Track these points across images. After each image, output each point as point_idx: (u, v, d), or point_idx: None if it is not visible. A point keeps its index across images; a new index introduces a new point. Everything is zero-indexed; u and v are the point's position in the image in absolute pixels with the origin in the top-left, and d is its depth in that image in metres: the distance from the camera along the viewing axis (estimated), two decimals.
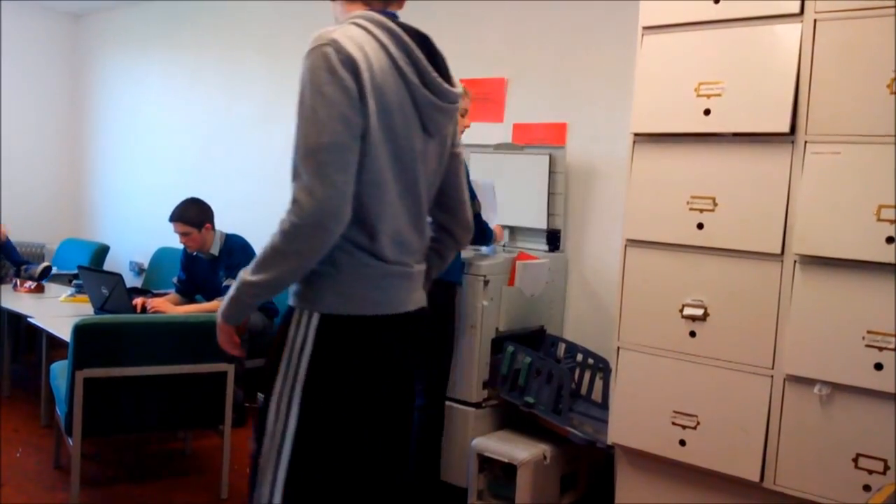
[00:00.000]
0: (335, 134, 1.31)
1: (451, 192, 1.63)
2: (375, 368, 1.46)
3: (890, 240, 1.94)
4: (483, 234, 2.76)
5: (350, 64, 1.32)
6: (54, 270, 4.43)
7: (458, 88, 1.51)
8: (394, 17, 1.45)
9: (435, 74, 1.43)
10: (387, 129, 1.37)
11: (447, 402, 2.90)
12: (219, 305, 1.50)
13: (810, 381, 2.08)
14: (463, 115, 2.67)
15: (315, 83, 1.32)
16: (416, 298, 1.53)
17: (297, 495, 1.43)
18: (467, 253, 2.87)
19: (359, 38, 1.36)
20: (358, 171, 1.34)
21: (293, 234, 1.32)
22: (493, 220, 2.94)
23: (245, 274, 1.38)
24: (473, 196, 2.60)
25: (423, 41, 1.45)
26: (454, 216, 1.65)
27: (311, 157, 1.31)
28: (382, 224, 1.40)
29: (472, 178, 2.97)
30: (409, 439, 1.65)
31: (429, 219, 1.59)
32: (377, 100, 1.34)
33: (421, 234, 1.52)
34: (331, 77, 1.31)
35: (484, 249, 2.98)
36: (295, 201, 1.32)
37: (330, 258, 1.39)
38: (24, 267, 4.23)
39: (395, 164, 1.41)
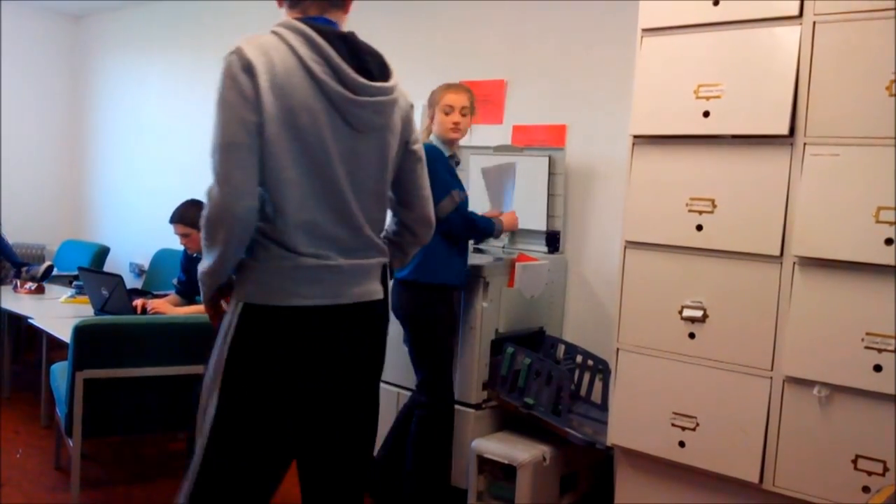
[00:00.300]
0: (232, 135, 1.41)
1: (409, 188, 1.68)
2: (296, 359, 1.49)
3: (889, 241, 1.95)
4: (470, 227, 2.70)
5: (248, 69, 1.41)
6: (55, 271, 4.43)
7: (386, 83, 1.54)
8: (325, 23, 1.52)
9: (348, 70, 1.47)
10: (290, 126, 1.44)
11: None
12: None
13: (809, 383, 2.09)
14: (465, 115, 2.68)
15: (220, 90, 1.43)
16: (357, 292, 1.55)
17: (206, 478, 1.50)
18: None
19: (267, 43, 1.45)
20: (264, 168, 1.44)
21: (205, 229, 1.49)
22: (507, 205, 2.91)
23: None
24: (454, 188, 2.62)
25: (345, 40, 1.51)
26: (412, 211, 1.70)
27: (212, 158, 1.44)
28: (291, 217, 1.46)
29: (484, 165, 3.01)
30: (365, 434, 1.68)
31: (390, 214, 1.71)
32: (279, 99, 1.42)
33: (353, 229, 1.53)
34: (231, 82, 1.41)
35: (493, 244, 2.97)
36: (206, 198, 1.48)
37: (251, 249, 1.49)
38: (25, 268, 4.22)
39: (304, 159, 1.46)
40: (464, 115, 2.68)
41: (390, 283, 1.72)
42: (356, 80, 1.47)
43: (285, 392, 1.51)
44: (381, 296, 1.62)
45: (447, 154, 2.70)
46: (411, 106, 1.67)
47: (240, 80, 1.40)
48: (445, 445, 2.71)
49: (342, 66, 1.46)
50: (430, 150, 2.62)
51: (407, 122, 1.64)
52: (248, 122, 1.41)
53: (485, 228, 2.75)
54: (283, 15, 1.58)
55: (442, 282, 2.65)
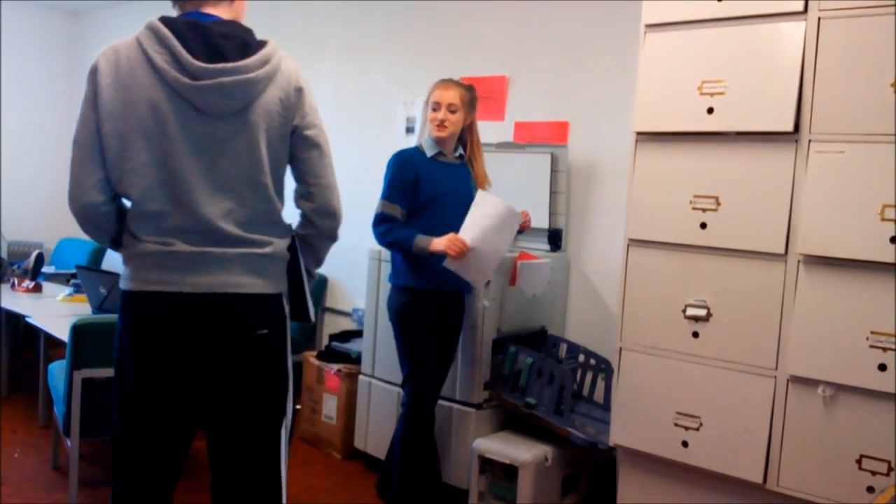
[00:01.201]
0: (77, 133, 1.54)
1: (304, 177, 1.65)
2: (144, 343, 1.56)
3: (894, 239, 1.93)
4: (381, 240, 2.59)
5: (93, 70, 1.52)
6: (53, 269, 4.41)
7: (238, 63, 1.50)
8: (195, 16, 1.56)
9: (187, 56, 1.48)
10: (132, 119, 1.49)
11: (449, 404, 2.89)
12: None
13: (814, 382, 2.07)
14: (454, 112, 2.58)
15: None
16: (204, 282, 1.53)
17: (115, 451, 1.69)
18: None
19: (122, 44, 1.53)
20: (106, 161, 1.53)
21: None
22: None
23: None
24: (386, 197, 2.54)
25: (196, 28, 1.52)
26: (310, 201, 1.66)
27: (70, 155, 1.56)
28: (137, 207, 1.53)
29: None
30: (242, 427, 1.64)
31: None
32: (121, 94, 1.50)
33: (201, 218, 1.51)
34: (86, 86, 1.54)
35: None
36: None
37: (123, 238, 1.60)
38: (14, 266, 4.19)
39: (149, 149, 1.50)
40: (452, 112, 2.58)
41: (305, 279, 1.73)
42: (194, 65, 1.47)
43: (142, 374, 1.58)
44: (250, 289, 1.56)
45: (432, 153, 2.62)
46: (298, 89, 1.59)
47: (89, 81, 1.52)
48: (424, 443, 2.66)
49: (182, 53, 1.48)
50: (397, 154, 2.65)
51: (290, 106, 1.57)
52: (89, 121, 1.52)
53: (398, 243, 2.55)
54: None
55: (412, 285, 2.59)
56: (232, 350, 1.57)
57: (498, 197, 2.52)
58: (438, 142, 2.64)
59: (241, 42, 1.53)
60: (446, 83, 2.65)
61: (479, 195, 2.51)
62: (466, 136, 2.71)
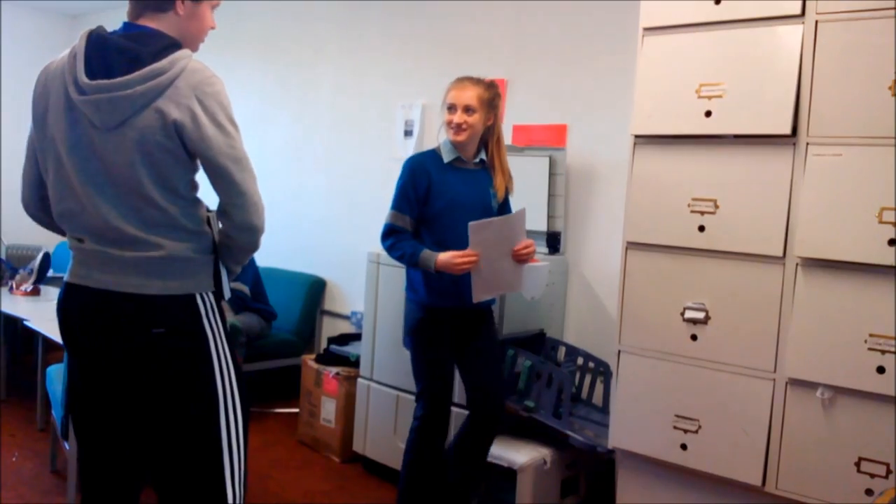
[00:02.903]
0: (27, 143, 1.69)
1: (220, 197, 1.62)
2: (64, 331, 1.69)
3: (892, 242, 1.93)
4: (391, 253, 2.46)
5: (36, 82, 1.64)
6: (51, 273, 4.40)
7: (119, 79, 1.51)
8: (123, 27, 1.65)
9: (79, 71, 1.54)
10: (44, 128, 1.61)
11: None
12: None
13: (812, 385, 2.07)
14: (471, 113, 2.39)
15: None
16: (105, 279, 1.59)
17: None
18: None
19: (58, 58, 1.62)
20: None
21: None
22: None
23: None
24: (396, 208, 2.42)
25: (102, 41, 1.58)
26: (227, 218, 1.64)
27: None
28: (54, 207, 1.66)
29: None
30: (150, 427, 1.66)
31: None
32: (41, 105, 1.60)
33: (102, 220, 1.57)
34: None
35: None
36: None
37: None
38: (22, 270, 4.18)
39: (53, 157, 1.60)
40: (469, 113, 2.39)
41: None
42: (82, 80, 1.54)
43: (71, 362, 1.71)
44: (146, 290, 1.57)
45: (449, 158, 2.45)
46: (189, 109, 1.53)
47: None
48: (433, 459, 2.52)
49: (76, 67, 1.55)
50: (409, 159, 2.50)
51: (179, 124, 1.53)
52: (30, 131, 1.66)
53: (404, 257, 2.42)
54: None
55: (426, 302, 2.47)
56: (128, 348, 1.61)
57: (488, 220, 2.36)
58: (457, 146, 2.46)
59: (133, 56, 1.54)
60: (462, 82, 2.46)
61: (470, 228, 2.30)
62: (488, 139, 2.51)
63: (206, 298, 1.66)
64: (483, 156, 2.53)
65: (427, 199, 2.43)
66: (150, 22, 1.62)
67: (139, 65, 1.53)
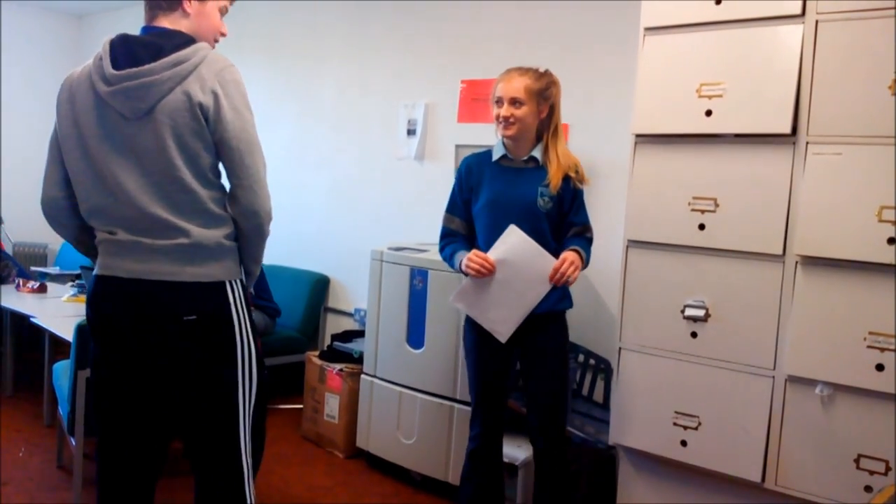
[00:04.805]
0: (51, 137, 1.74)
1: (230, 179, 1.69)
2: (93, 324, 1.74)
3: (891, 241, 1.94)
4: (439, 250, 2.38)
5: (61, 87, 1.72)
6: (57, 270, 4.44)
7: (143, 67, 1.59)
8: (142, 30, 1.71)
9: (105, 64, 1.62)
10: (76, 126, 1.66)
11: (450, 404, 2.91)
12: None
13: (812, 382, 2.08)
14: (519, 105, 2.23)
15: None
16: (136, 268, 1.65)
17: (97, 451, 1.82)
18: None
19: (85, 65, 1.69)
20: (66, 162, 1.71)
21: None
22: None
23: None
24: (449, 210, 2.36)
25: (126, 41, 1.66)
26: (233, 203, 1.70)
27: None
28: (83, 204, 1.71)
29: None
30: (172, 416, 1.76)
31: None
32: (70, 105, 1.67)
33: (136, 209, 1.63)
34: None
35: None
36: None
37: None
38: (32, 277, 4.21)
39: (87, 153, 1.65)
40: (517, 106, 2.23)
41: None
42: (108, 72, 1.61)
43: (100, 355, 1.75)
44: (177, 277, 1.64)
45: (497, 156, 2.32)
46: (213, 92, 1.62)
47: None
48: (484, 482, 2.36)
49: (105, 63, 1.62)
50: (465, 158, 2.41)
51: (203, 106, 1.61)
52: (54, 130, 1.72)
53: (447, 260, 2.38)
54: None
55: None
56: (160, 335, 1.67)
57: (528, 240, 2.21)
58: (506, 143, 2.31)
59: (157, 48, 1.63)
60: (509, 73, 2.29)
61: (510, 229, 2.21)
62: (544, 133, 2.32)
63: (235, 286, 1.73)
64: (538, 152, 2.31)
65: (473, 197, 2.35)
66: (165, 22, 1.71)
67: (163, 54, 1.61)
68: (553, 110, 2.31)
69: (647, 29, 2.38)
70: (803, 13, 2.09)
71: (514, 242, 2.21)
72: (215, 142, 1.65)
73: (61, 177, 1.72)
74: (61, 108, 1.69)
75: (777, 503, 2.16)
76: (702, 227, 2.26)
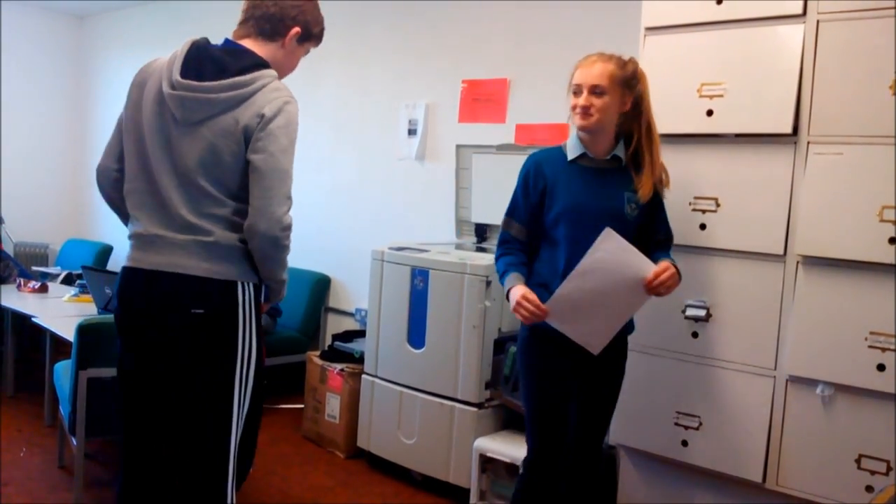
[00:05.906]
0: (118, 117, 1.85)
1: (249, 199, 1.73)
2: (118, 315, 1.80)
3: (892, 241, 1.94)
4: (495, 259, 2.13)
5: (137, 72, 1.81)
6: (58, 270, 4.44)
7: (207, 83, 1.68)
8: (224, 42, 1.81)
9: (174, 71, 1.71)
10: (138, 114, 1.76)
11: (451, 404, 2.91)
12: None
13: (813, 382, 2.08)
14: (600, 94, 1.98)
15: None
16: (156, 261, 1.72)
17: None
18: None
19: (167, 57, 1.77)
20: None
21: None
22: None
23: None
24: (510, 214, 2.11)
25: (199, 50, 1.75)
26: (247, 220, 1.73)
27: None
28: (126, 182, 1.80)
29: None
30: (184, 413, 1.77)
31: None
32: (138, 93, 1.76)
33: (162, 203, 1.72)
34: None
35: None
36: None
37: None
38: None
39: (140, 139, 1.75)
40: (598, 95, 1.97)
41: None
42: (175, 79, 1.70)
43: (124, 345, 1.80)
44: (191, 271, 1.70)
45: (574, 154, 2.05)
46: (260, 115, 1.67)
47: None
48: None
49: (174, 66, 1.72)
50: (530, 156, 2.15)
51: (248, 130, 1.68)
52: (124, 106, 1.82)
53: (500, 278, 2.10)
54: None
55: (527, 324, 2.04)
56: (168, 325, 1.71)
57: (627, 247, 1.94)
58: (583, 138, 2.05)
59: (222, 67, 1.71)
60: (589, 58, 2.03)
61: (606, 233, 1.90)
62: (633, 129, 2.05)
63: (247, 288, 1.77)
64: (620, 151, 2.07)
65: (544, 202, 2.05)
66: (250, 44, 1.79)
67: (225, 75, 1.68)
68: (639, 105, 2.04)
69: (648, 29, 2.39)
70: (804, 13, 2.09)
71: (611, 249, 1.92)
72: (247, 159, 1.70)
73: (118, 151, 1.82)
74: (133, 90, 1.78)
75: (778, 503, 2.16)
76: (703, 226, 2.27)
